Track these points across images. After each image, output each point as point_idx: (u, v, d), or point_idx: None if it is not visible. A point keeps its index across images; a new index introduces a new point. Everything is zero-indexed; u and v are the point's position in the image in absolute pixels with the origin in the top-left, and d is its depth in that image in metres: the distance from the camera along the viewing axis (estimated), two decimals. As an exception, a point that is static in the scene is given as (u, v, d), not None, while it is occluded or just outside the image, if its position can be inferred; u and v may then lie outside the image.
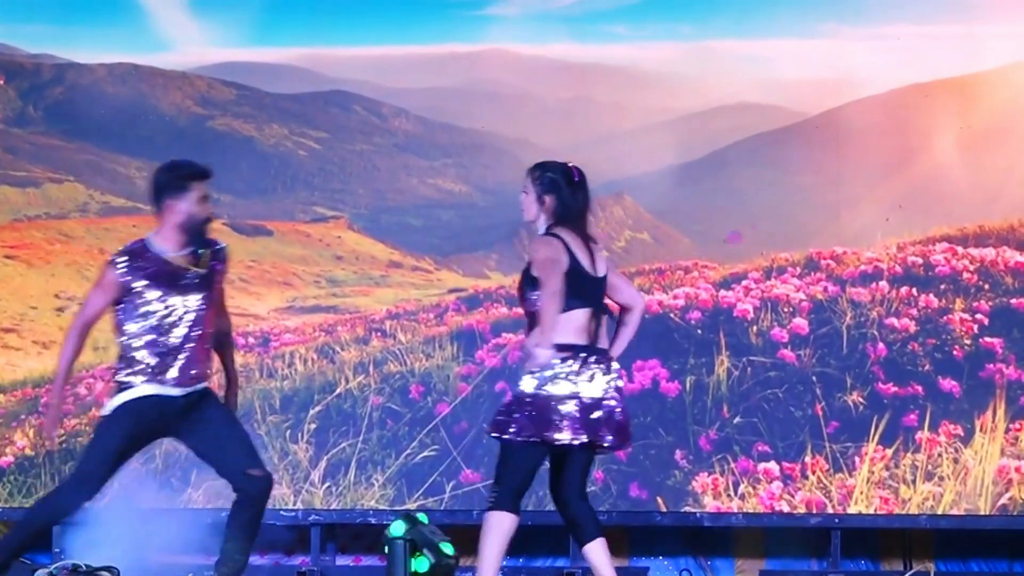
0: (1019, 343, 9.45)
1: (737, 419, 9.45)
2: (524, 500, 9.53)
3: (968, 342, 9.47)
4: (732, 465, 9.40)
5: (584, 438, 6.92)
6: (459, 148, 10.28)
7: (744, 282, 9.68)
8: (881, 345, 9.49)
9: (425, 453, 9.68)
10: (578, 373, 6.93)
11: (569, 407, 6.90)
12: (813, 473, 9.41)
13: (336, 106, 10.36)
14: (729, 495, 9.39)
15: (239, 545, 7.44)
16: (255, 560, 9.90)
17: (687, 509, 9.42)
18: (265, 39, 10.27)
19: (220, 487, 9.72)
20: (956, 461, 9.36)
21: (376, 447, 9.71)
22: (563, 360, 6.91)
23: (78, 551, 8.36)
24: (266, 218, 10.28)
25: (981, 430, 9.37)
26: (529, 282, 6.97)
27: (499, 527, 6.97)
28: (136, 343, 7.25)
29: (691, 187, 9.91)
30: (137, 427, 7.25)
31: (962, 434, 9.38)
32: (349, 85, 10.29)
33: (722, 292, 9.66)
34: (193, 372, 7.30)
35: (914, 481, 9.36)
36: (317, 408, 9.81)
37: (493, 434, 6.99)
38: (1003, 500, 9.33)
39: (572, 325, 6.94)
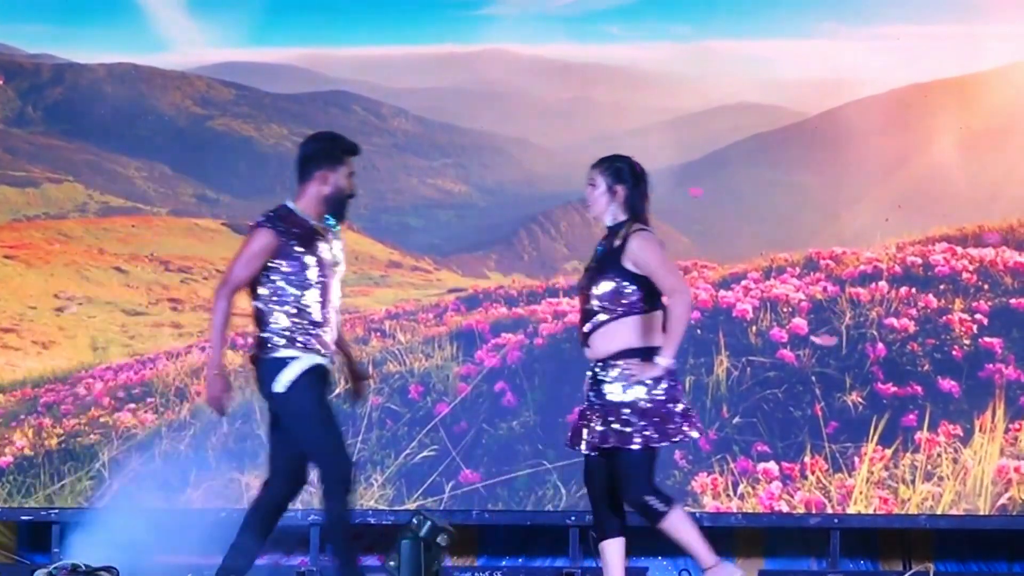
0: (1018, 343, 9.45)
1: (736, 419, 9.45)
2: (524, 500, 9.57)
3: (967, 342, 9.47)
4: (731, 465, 9.40)
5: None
6: (458, 148, 10.28)
7: (743, 282, 9.68)
8: (880, 345, 9.49)
9: (424, 453, 9.67)
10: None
11: (679, 407, 6.92)
12: (812, 473, 9.41)
13: (335, 106, 10.35)
14: (728, 495, 9.39)
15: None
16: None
17: (687, 509, 9.40)
18: (264, 39, 10.27)
19: (219, 487, 9.75)
20: (955, 461, 9.36)
21: (375, 447, 9.70)
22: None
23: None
24: (265, 218, 10.26)
25: (980, 430, 9.37)
26: (625, 276, 6.91)
27: (684, 519, 6.94)
28: (291, 310, 7.16)
29: (690, 187, 9.91)
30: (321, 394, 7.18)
31: (961, 434, 9.38)
32: (348, 85, 10.29)
33: (721, 292, 9.66)
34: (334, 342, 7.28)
35: (913, 481, 9.36)
36: (316, 408, 9.79)
37: (617, 446, 6.89)
38: (1002, 500, 9.33)
39: (658, 326, 6.94)
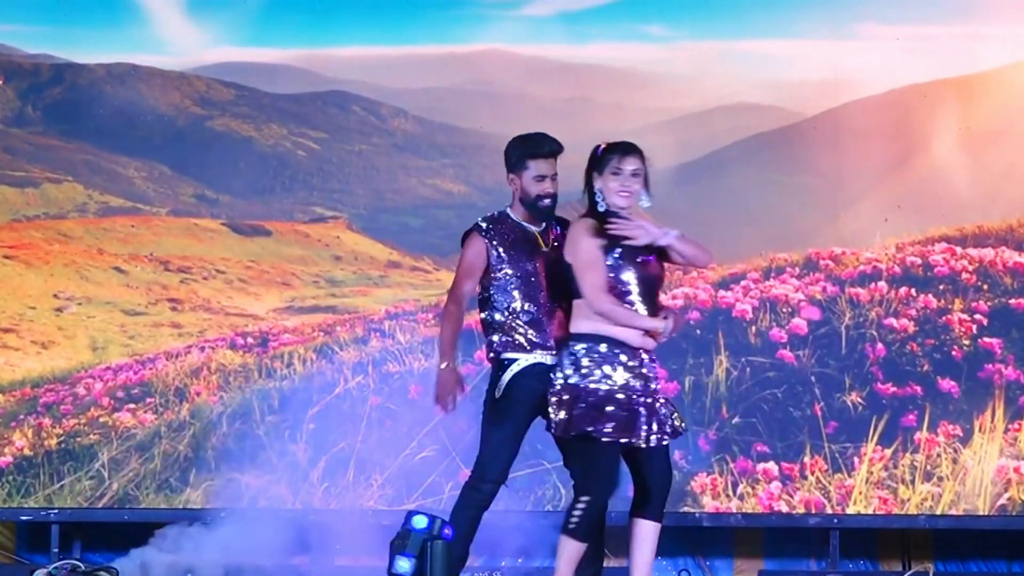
0: (1018, 343, 9.46)
1: (736, 419, 9.45)
2: (524, 501, 9.57)
3: (967, 342, 9.47)
4: (731, 465, 9.40)
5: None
6: (458, 148, 10.27)
7: (743, 282, 9.69)
8: (880, 345, 9.50)
9: (424, 453, 9.67)
10: None
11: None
12: (812, 473, 9.41)
13: (335, 106, 10.35)
14: (728, 495, 9.39)
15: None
16: (254, 560, 9.91)
17: (686, 509, 9.42)
18: (264, 39, 10.27)
19: (219, 487, 9.76)
20: (955, 461, 9.36)
21: (375, 447, 9.70)
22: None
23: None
24: (265, 218, 10.28)
25: (980, 430, 9.38)
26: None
27: None
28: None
29: (690, 187, 9.91)
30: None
31: (961, 434, 9.38)
32: (348, 85, 10.29)
33: (721, 292, 9.66)
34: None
35: (913, 481, 9.36)
36: (316, 408, 9.80)
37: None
38: (1002, 500, 9.34)
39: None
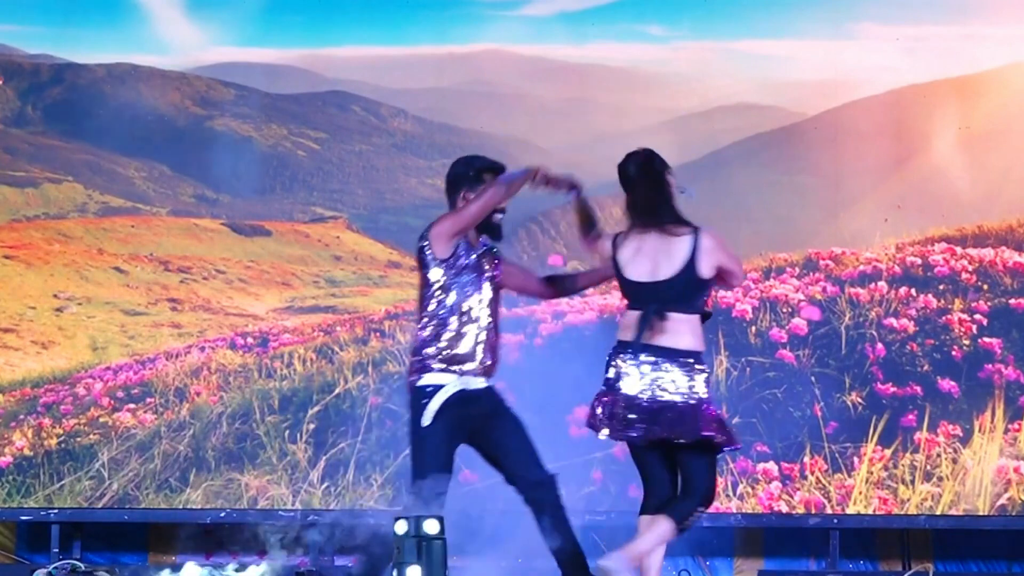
0: (1018, 343, 9.46)
1: (736, 419, 9.44)
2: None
3: (967, 342, 9.47)
4: (731, 465, 9.40)
5: None
6: (458, 148, 10.24)
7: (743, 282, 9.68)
8: (880, 345, 9.50)
9: (424, 453, 9.66)
10: None
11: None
12: (812, 473, 9.41)
13: (335, 106, 10.35)
14: (728, 495, 9.39)
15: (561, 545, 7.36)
16: (254, 560, 9.91)
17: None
18: (264, 39, 10.27)
19: (219, 487, 9.76)
20: (955, 461, 9.36)
21: (375, 447, 9.70)
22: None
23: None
24: (265, 218, 10.28)
25: (980, 430, 9.38)
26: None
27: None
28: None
29: (690, 187, 9.90)
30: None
31: (961, 434, 9.38)
32: (348, 85, 10.29)
33: (721, 292, 9.65)
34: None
35: (913, 481, 9.36)
36: (316, 408, 9.80)
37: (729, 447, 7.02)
38: (1002, 500, 9.34)
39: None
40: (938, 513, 9.33)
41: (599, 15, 9.97)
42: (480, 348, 7.24)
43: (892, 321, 9.53)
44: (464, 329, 7.24)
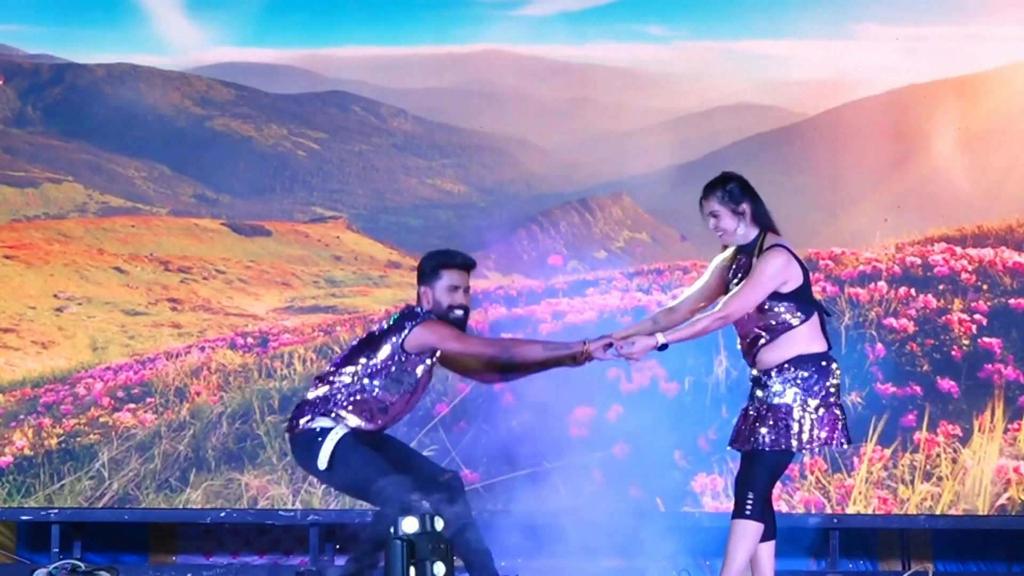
0: (1017, 343, 9.47)
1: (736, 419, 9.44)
2: (523, 500, 9.57)
3: (967, 342, 9.48)
4: (731, 465, 9.39)
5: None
6: (458, 148, 10.28)
7: (743, 282, 9.68)
8: (880, 345, 9.50)
9: (424, 453, 9.66)
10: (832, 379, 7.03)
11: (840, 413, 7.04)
12: (812, 473, 9.41)
13: (335, 106, 10.36)
14: (728, 495, 9.38)
15: None
16: (253, 560, 9.92)
17: (686, 509, 9.42)
18: (264, 39, 10.27)
19: (219, 487, 9.76)
20: (954, 461, 9.37)
21: (375, 447, 9.70)
22: (819, 371, 6.96)
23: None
24: (265, 218, 10.28)
25: (979, 430, 9.39)
26: (769, 296, 6.94)
27: (751, 537, 7.00)
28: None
29: (690, 187, 9.86)
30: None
31: (960, 434, 9.39)
32: (348, 85, 10.29)
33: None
34: None
35: (912, 481, 9.36)
36: (316, 408, 9.79)
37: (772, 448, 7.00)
38: (1001, 500, 9.34)
39: (818, 329, 7.02)
40: (938, 513, 9.34)
41: (599, 15, 9.97)
42: (378, 417, 7.31)
43: (892, 321, 9.53)
44: (373, 409, 7.27)
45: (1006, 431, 9.39)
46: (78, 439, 9.88)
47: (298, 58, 10.31)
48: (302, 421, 7.24)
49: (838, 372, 7.02)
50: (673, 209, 9.94)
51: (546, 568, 9.72)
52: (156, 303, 10.13)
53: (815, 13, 9.75)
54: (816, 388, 6.93)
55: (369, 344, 7.30)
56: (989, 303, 9.53)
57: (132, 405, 9.93)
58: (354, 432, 7.20)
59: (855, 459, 9.39)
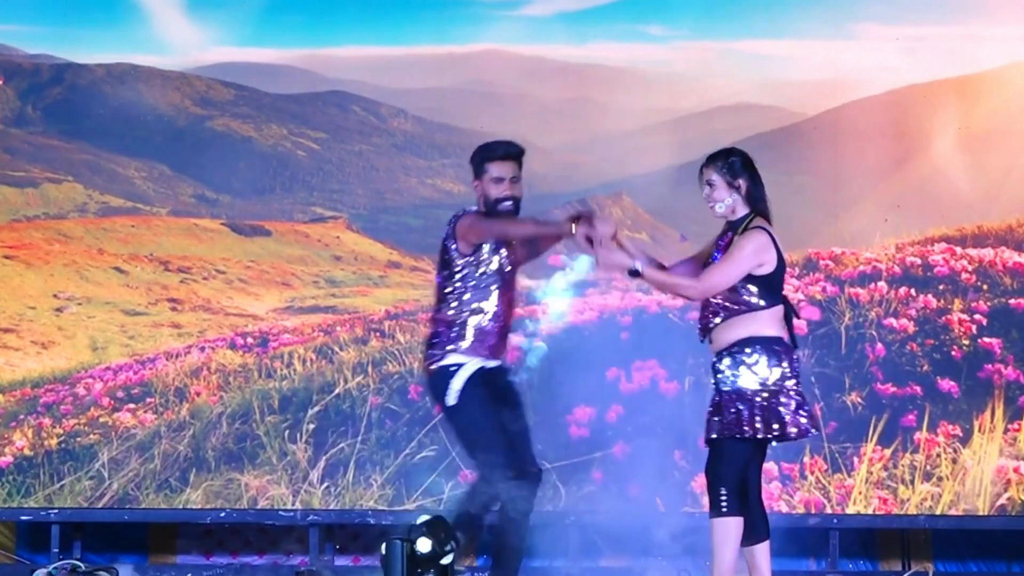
0: (1017, 343, 9.46)
1: (736, 419, 9.44)
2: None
3: (967, 342, 9.47)
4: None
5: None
6: (458, 148, 10.27)
7: (743, 282, 9.68)
8: (880, 345, 9.50)
9: (424, 453, 9.67)
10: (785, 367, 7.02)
11: (792, 404, 7.01)
12: (812, 473, 9.41)
13: (335, 106, 10.35)
14: (728, 495, 9.37)
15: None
16: (253, 560, 9.92)
17: (686, 509, 9.41)
18: (264, 39, 10.27)
19: (219, 487, 9.76)
20: (955, 461, 9.36)
21: (375, 447, 9.70)
22: (771, 355, 6.95)
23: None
24: (265, 218, 10.28)
25: (980, 430, 9.38)
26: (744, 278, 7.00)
27: (733, 532, 7.02)
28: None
29: (690, 187, 9.85)
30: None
31: (960, 434, 9.38)
32: (348, 85, 10.29)
33: (721, 292, 9.65)
34: None
35: (912, 481, 9.36)
36: (316, 408, 9.81)
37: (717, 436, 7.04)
38: (1001, 500, 9.34)
39: (778, 319, 7.02)
40: (938, 513, 9.33)
41: (599, 15, 9.97)
42: (491, 334, 7.31)
43: (892, 321, 9.53)
44: (477, 321, 7.30)
45: (1006, 431, 9.39)
46: (78, 439, 9.88)
47: (298, 58, 10.30)
48: (434, 360, 7.33)
49: (796, 364, 7.01)
50: (673, 209, 9.93)
51: (546, 568, 9.72)
52: (156, 303, 10.13)
53: (815, 13, 9.75)
54: (766, 373, 6.93)
55: (443, 266, 7.40)
56: (989, 303, 9.53)
57: (132, 405, 9.93)
58: (482, 372, 7.27)
59: (855, 459, 9.39)
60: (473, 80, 10.17)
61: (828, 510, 9.37)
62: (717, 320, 7.03)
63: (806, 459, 9.39)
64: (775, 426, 6.96)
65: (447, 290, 7.38)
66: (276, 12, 10.23)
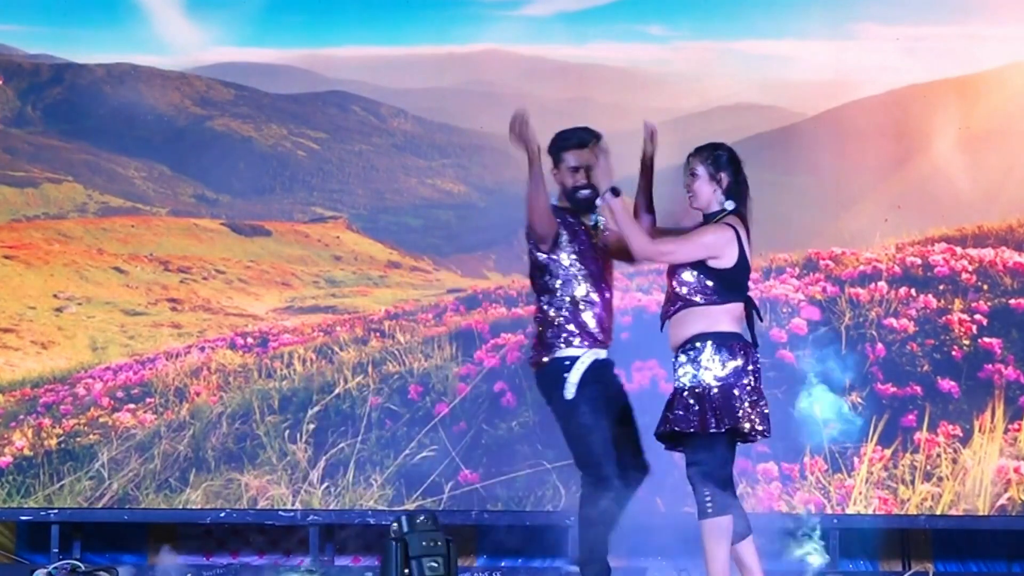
0: (1018, 343, 9.46)
1: (736, 419, 9.44)
2: (523, 501, 9.57)
3: (967, 342, 9.47)
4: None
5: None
6: (458, 148, 10.27)
7: (743, 282, 9.67)
8: (880, 345, 9.49)
9: (424, 453, 9.67)
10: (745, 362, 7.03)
11: (745, 396, 7.00)
12: (812, 473, 9.41)
13: (335, 106, 10.36)
14: (728, 495, 9.37)
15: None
16: (253, 560, 9.92)
17: (686, 509, 9.40)
18: (264, 39, 10.28)
19: (219, 487, 9.76)
20: (955, 461, 9.36)
21: (375, 447, 9.70)
22: (726, 350, 6.95)
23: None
24: (265, 218, 10.28)
25: (980, 430, 9.38)
26: (705, 269, 7.04)
27: (723, 532, 7.05)
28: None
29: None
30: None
31: (961, 434, 9.38)
32: (348, 85, 10.29)
33: (721, 292, 9.64)
34: None
35: (913, 481, 9.36)
36: (316, 408, 9.81)
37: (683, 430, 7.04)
38: (1002, 500, 9.33)
39: (734, 316, 7.05)
40: (938, 513, 9.33)
41: (599, 15, 9.97)
42: (594, 323, 7.36)
43: (892, 321, 9.52)
44: (578, 312, 7.35)
45: (1006, 431, 9.39)
46: (78, 439, 9.88)
47: (298, 58, 10.31)
48: (545, 354, 7.33)
49: (754, 362, 7.03)
50: (673, 209, 9.91)
51: (546, 568, 9.72)
52: (156, 303, 10.13)
53: (815, 13, 9.74)
54: (719, 368, 6.95)
55: (532, 267, 7.45)
56: (989, 303, 9.53)
57: (132, 405, 9.93)
58: (596, 366, 7.29)
59: (855, 459, 9.39)
60: (473, 80, 10.17)
61: (828, 510, 9.37)
62: (672, 309, 7.06)
63: (806, 459, 9.39)
64: (726, 420, 6.97)
65: (542, 287, 7.41)
66: (276, 12, 10.24)
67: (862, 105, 9.71)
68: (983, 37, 9.63)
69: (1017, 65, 9.67)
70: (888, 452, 9.39)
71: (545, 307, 7.38)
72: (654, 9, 9.94)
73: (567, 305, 7.35)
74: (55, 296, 10.18)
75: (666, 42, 9.95)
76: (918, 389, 9.43)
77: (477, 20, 10.05)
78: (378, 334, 9.91)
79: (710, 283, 7.04)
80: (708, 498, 7.00)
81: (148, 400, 9.93)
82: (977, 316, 9.49)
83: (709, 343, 6.99)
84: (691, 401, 6.99)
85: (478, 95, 10.19)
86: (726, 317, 7.04)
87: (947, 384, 9.42)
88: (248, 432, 9.81)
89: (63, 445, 9.90)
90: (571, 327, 7.33)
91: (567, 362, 7.30)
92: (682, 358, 7.05)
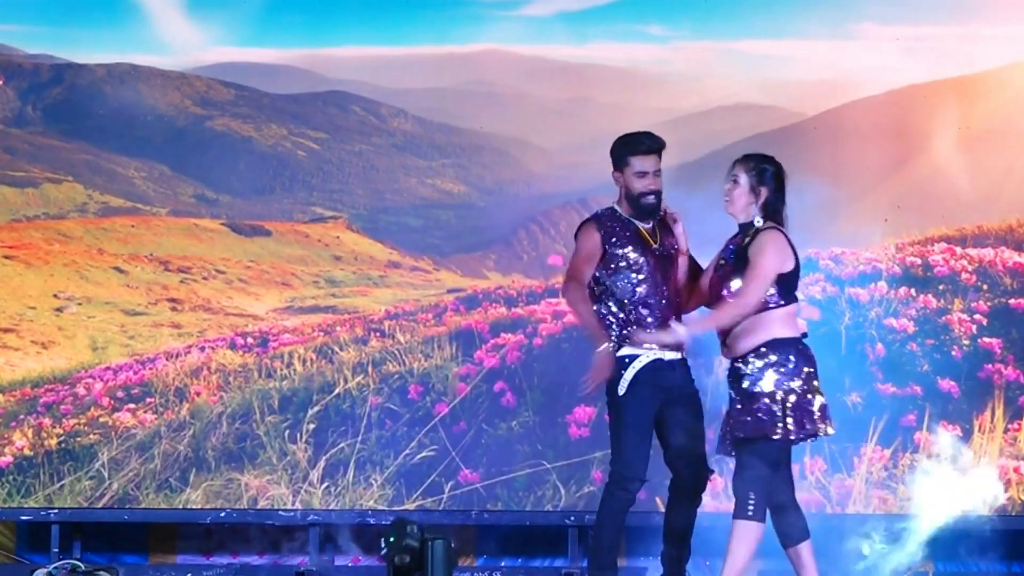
0: (1017, 343, 9.46)
1: (736, 419, 9.43)
2: (523, 501, 9.57)
3: (967, 342, 9.47)
4: (731, 465, 9.36)
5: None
6: (458, 148, 10.28)
7: (743, 282, 9.67)
8: (880, 345, 9.49)
9: (424, 453, 9.67)
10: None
11: (816, 403, 7.04)
12: (812, 473, 9.40)
13: (335, 106, 10.36)
14: (728, 495, 9.35)
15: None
16: (253, 560, 9.92)
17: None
18: (264, 39, 10.27)
19: (219, 487, 9.76)
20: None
21: (375, 447, 9.71)
22: (797, 355, 6.98)
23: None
24: (265, 218, 10.28)
25: (980, 430, 9.38)
26: (738, 270, 7.02)
27: (753, 536, 7.10)
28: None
29: (690, 187, 9.89)
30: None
31: (961, 434, 9.38)
32: (348, 85, 10.29)
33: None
34: None
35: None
36: (316, 408, 9.81)
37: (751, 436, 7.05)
38: (1001, 500, 9.33)
39: (794, 317, 7.15)
40: (938, 513, 9.33)
41: (599, 15, 9.97)
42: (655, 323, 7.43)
43: (892, 321, 9.52)
44: (637, 312, 7.44)
45: (1006, 431, 9.39)
46: (78, 439, 9.88)
47: (298, 58, 10.31)
48: (616, 349, 7.40)
49: (815, 362, 7.05)
50: (673, 209, 9.92)
51: (546, 568, 9.72)
52: (156, 303, 10.13)
53: (815, 13, 9.75)
54: (795, 373, 6.96)
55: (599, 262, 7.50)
56: (989, 303, 9.53)
57: (132, 405, 9.93)
58: (655, 366, 7.39)
59: (855, 459, 9.39)
60: (473, 80, 10.17)
61: (828, 510, 9.37)
62: (736, 327, 7.04)
63: (806, 459, 9.39)
64: (807, 426, 6.99)
65: (601, 285, 7.50)
66: (276, 12, 10.24)
67: (862, 105, 9.71)
68: (983, 37, 9.63)
69: (1017, 65, 9.67)
70: (888, 452, 9.38)
71: (609, 305, 7.48)
72: (654, 9, 9.95)
73: (627, 306, 7.44)
74: (55, 296, 10.18)
75: (666, 42, 9.95)
76: (918, 389, 9.43)
77: (477, 20, 10.05)
78: (378, 334, 9.92)
79: (772, 290, 7.05)
80: (752, 501, 7.02)
81: (148, 400, 9.93)
82: (977, 316, 9.50)
83: (785, 350, 6.99)
84: (769, 406, 6.98)
85: (478, 95, 10.20)
86: (788, 319, 7.07)
87: (947, 384, 9.42)
88: (248, 432, 9.81)
89: (63, 445, 9.90)
90: (630, 328, 7.41)
91: (627, 359, 7.40)
92: (757, 363, 7.02)
